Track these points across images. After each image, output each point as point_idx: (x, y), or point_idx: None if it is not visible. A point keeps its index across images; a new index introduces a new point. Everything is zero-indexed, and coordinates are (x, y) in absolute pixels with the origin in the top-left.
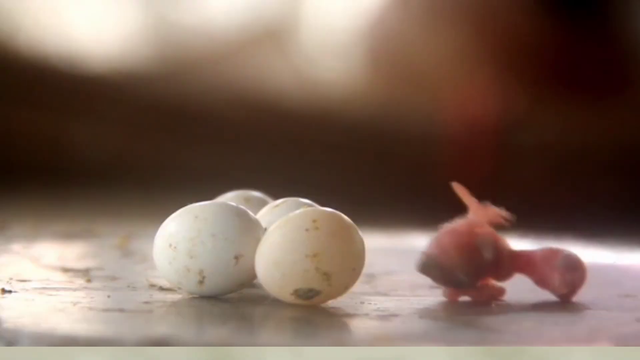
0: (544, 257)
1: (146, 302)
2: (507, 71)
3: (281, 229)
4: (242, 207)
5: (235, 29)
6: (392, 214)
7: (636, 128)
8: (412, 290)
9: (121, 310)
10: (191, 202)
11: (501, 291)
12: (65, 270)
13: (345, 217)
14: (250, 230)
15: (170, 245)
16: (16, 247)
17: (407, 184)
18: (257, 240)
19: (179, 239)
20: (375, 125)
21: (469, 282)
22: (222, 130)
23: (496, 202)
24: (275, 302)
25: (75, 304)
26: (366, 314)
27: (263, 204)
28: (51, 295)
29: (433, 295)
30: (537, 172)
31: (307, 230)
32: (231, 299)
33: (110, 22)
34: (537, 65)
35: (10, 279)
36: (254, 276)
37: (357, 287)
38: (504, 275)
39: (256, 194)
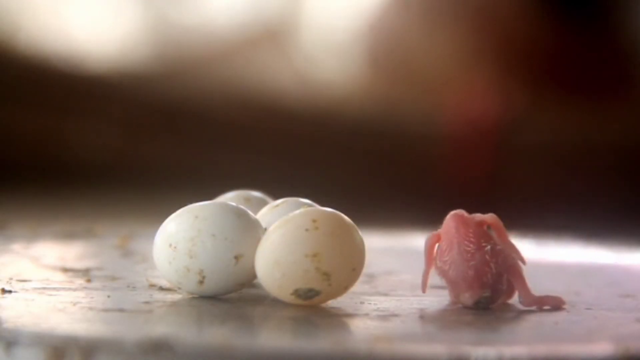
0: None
1: (146, 302)
2: (507, 71)
3: (281, 229)
4: (242, 207)
5: (235, 29)
6: (392, 214)
7: (636, 128)
8: (412, 290)
9: (121, 310)
10: (191, 202)
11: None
12: (65, 270)
13: (345, 217)
14: (250, 230)
15: (170, 245)
16: (16, 247)
17: (407, 184)
18: (257, 240)
19: (179, 239)
20: (375, 125)
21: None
22: (222, 130)
23: (496, 201)
24: (275, 302)
25: (75, 304)
26: (366, 314)
27: (263, 204)
28: (51, 295)
29: (433, 295)
30: (537, 172)
31: (307, 230)
32: (231, 299)
33: (110, 22)
34: (537, 65)
35: (10, 279)
36: (254, 276)
37: (357, 287)
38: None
39: (256, 194)
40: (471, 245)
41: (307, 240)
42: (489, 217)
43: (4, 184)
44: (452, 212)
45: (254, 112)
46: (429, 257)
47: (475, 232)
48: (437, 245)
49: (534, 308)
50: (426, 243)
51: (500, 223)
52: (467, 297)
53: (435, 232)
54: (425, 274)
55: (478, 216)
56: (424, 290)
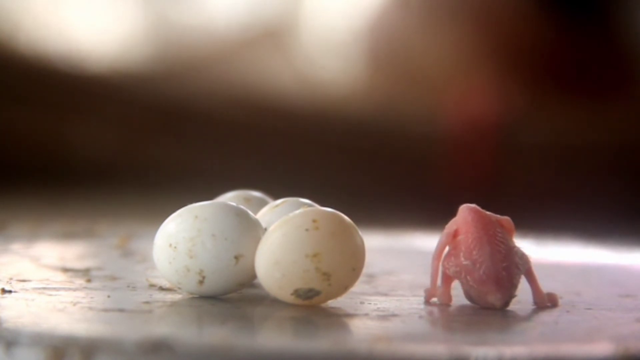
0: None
1: (146, 302)
2: (507, 71)
3: (281, 229)
4: (242, 207)
5: (235, 29)
6: (392, 214)
7: (636, 128)
8: (412, 290)
9: (121, 310)
10: (191, 202)
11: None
12: (65, 270)
13: (345, 217)
14: (250, 230)
15: (170, 245)
16: (16, 247)
17: (407, 184)
18: (257, 240)
19: (179, 239)
20: (376, 124)
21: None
22: (222, 130)
23: (496, 201)
24: (275, 302)
25: (75, 304)
26: (366, 314)
27: (263, 204)
28: (51, 295)
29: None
30: (537, 171)
31: (307, 230)
32: (231, 299)
33: (110, 22)
34: (537, 65)
35: (10, 279)
36: (254, 276)
37: (357, 287)
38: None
39: (256, 194)
40: (502, 245)
41: (307, 240)
42: (505, 220)
43: (4, 184)
44: (470, 206)
45: (254, 112)
46: (440, 255)
47: (502, 231)
48: (446, 244)
49: (548, 305)
50: (441, 241)
51: (513, 227)
52: (499, 298)
53: (450, 231)
54: (433, 284)
55: (495, 216)
56: (447, 302)
